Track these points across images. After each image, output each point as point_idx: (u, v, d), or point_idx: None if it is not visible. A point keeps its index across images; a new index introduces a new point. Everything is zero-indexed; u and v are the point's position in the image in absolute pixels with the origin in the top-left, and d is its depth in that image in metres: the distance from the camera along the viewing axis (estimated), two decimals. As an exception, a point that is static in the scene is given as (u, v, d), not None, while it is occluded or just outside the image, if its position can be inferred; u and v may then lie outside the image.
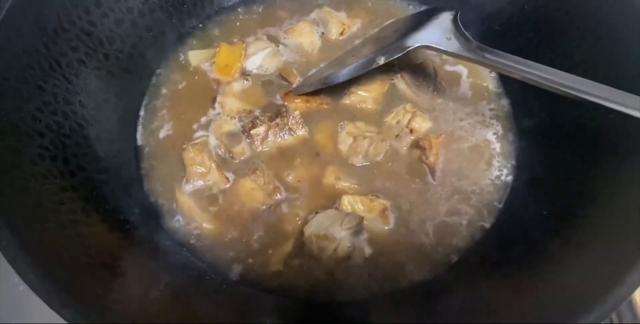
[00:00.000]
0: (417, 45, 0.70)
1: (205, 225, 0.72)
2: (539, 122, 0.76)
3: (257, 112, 0.80)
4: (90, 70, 0.74)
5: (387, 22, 0.88)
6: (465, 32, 0.70)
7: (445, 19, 0.72)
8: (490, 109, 0.81)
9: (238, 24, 0.90)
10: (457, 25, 0.71)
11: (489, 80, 0.83)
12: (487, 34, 0.82)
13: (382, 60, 0.71)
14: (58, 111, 0.68)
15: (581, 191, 0.66)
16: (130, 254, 0.64)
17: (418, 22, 0.75)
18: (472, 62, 0.68)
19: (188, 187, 0.74)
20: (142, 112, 0.82)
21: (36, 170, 0.61)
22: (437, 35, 0.71)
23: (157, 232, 0.72)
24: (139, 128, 0.80)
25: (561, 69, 0.61)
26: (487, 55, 0.67)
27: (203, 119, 0.80)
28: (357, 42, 0.87)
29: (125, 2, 0.77)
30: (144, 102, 0.82)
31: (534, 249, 0.66)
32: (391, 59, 0.71)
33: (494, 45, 0.67)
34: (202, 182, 0.74)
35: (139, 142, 0.79)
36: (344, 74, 0.75)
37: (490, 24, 0.83)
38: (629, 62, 0.63)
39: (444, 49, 0.69)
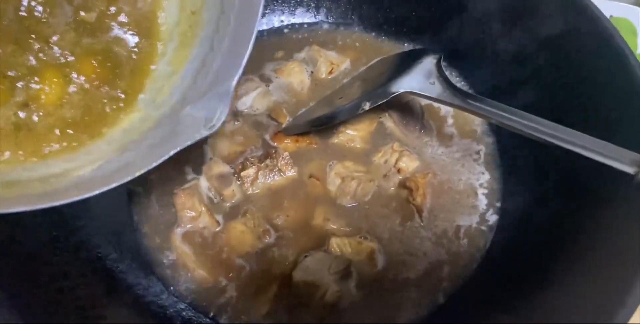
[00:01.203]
0: (401, 91, 0.71)
1: (195, 270, 0.73)
2: (525, 162, 0.77)
3: (247, 153, 0.81)
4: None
5: (375, 61, 0.90)
6: (448, 77, 0.72)
7: (429, 63, 0.74)
8: (477, 148, 0.83)
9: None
10: (441, 70, 0.73)
11: (475, 119, 0.85)
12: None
13: (367, 106, 0.73)
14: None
15: (567, 230, 0.67)
16: (118, 302, 0.65)
17: (403, 65, 0.77)
18: (455, 107, 0.69)
19: (179, 232, 0.76)
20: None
21: (29, 221, 0.63)
22: (421, 80, 0.72)
23: (146, 278, 0.73)
24: (132, 171, 0.81)
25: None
26: (470, 101, 0.68)
27: (194, 161, 0.81)
28: (345, 81, 0.89)
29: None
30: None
31: (522, 289, 0.68)
32: (376, 105, 0.72)
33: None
34: (193, 227, 0.76)
35: (131, 187, 0.80)
36: (331, 119, 0.77)
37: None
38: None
39: (427, 94, 0.70)
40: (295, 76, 0.90)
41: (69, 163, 0.59)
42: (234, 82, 0.60)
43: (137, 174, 0.56)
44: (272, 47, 0.94)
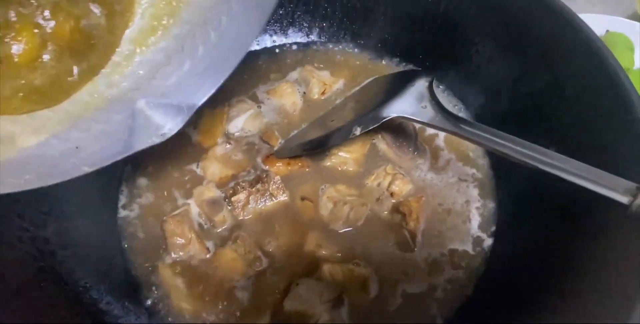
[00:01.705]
0: (392, 115, 0.70)
1: (184, 300, 0.72)
2: (520, 186, 0.76)
3: (239, 177, 0.80)
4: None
5: (367, 81, 0.89)
6: (440, 101, 0.71)
7: (421, 86, 0.73)
8: (471, 171, 0.82)
9: (221, 85, 0.91)
10: (433, 93, 0.72)
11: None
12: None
13: (358, 131, 0.72)
14: (39, 188, 0.69)
15: (563, 255, 0.66)
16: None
17: (395, 87, 0.76)
18: (447, 132, 0.68)
19: (169, 260, 0.75)
20: (124, 181, 0.82)
21: (15, 254, 0.62)
22: (413, 103, 0.71)
23: (133, 309, 0.71)
24: (121, 198, 0.81)
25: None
26: (462, 126, 0.67)
27: (185, 186, 0.80)
28: (338, 102, 0.88)
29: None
30: (126, 171, 0.83)
31: (517, 313, 0.67)
32: (367, 129, 0.71)
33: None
34: (182, 254, 0.75)
35: (121, 213, 0.79)
36: (323, 143, 0.76)
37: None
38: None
39: (419, 119, 0.69)
40: (287, 97, 0.89)
41: (14, 125, 0.57)
42: (202, 101, 0.60)
43: (84, 171, 0.56)
44: (264, 68, 0.94)
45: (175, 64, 0.63)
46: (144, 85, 0.62)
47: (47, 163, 0.56)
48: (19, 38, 0.57)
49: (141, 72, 0.63)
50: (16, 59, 0.57)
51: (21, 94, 0.58)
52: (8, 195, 0.64)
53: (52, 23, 0.57)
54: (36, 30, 0.57)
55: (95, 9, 0.60)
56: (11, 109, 0.58)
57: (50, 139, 0.57)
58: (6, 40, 0.56)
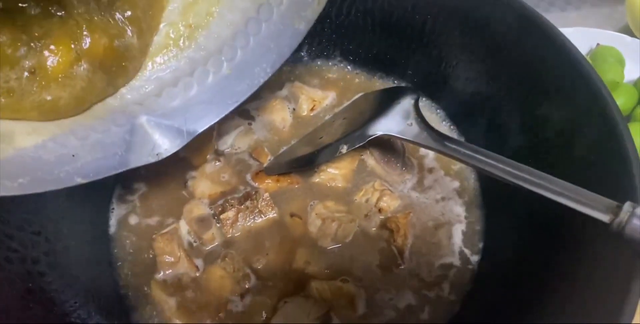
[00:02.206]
0: (378, 133, 0.71)
1: (174, 318, 0.72)
2: (507, 202, 0.77)
3: (228, 194, 0.81)
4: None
5: (355, 98, 0.90)
6: (425, 119, 0.71)
7: (407, 103, 0.74)
8: (459, 187, 0.82)
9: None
10: (418, 111, 0.73)
11: (456, 156, 0.84)
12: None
13: (344, 150, 0.73)
14: (29, 208, 0.70)
15: (549, 271, 0.66)
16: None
17: (382, 104, 0.76)
18: (431, 149, 0.69)
19: (159, 278, 0.75)
20: (114, 200, 0.83)
21: (3, 275, 0.62)
22: (399, 121, 0.72)
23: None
24: (112, 216, 0.81)
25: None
26: (447, 144, 0.67)
27: (175, 204, 0.81)
28: (327, 118, 0.89)
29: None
30: (117, 190, 0.83)
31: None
32: (354, 147, 0.72)
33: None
34: (172, 272, 0.75)
35: (112, 231, 0.80)
36: (310, 161, 0.77)
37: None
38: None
39: (404, 137, 0.70)
40: (277, 114, 0.89)
41: (15, 123, 0.57)
42: (203, 129, 0.61)
43: (77, 182, 0.57)
44: (254, 85, 0.94)
45: (182, 86, 0.64)
46: (149, 101, 0.63)
47: (42, 168, 0.56)
48: (56, 50, 0.57)
49: (147, 88, 0.63)
50: (49, 72, 0.57)
51: (43, 108, 0.58)
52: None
53: (88, 40, 0.57)
54: (73, 45, 0.57)
55: (128, 29, 0.60)
56: (25, 118, 0.58)
57: (48, 142, 0.57)
58: (43, 51, 0.56)
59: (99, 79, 0.59)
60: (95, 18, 0.57)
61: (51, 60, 0.56)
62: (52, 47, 0.56)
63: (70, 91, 0.58)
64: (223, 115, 0.63)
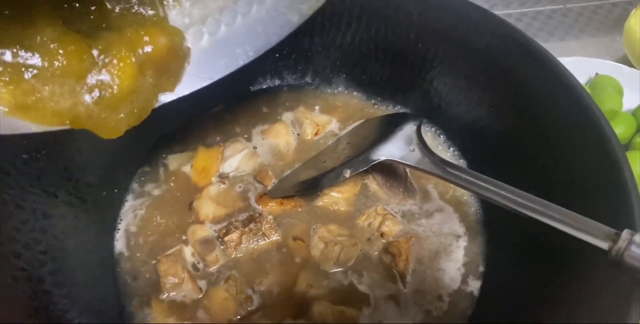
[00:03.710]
0: (381, 158, 0.73)
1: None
2: (508, 227, 0.77)
3: (232, 216, 0.82)
4: (70, 183, 0.77)
5: (359, 123, 0.92)
6: (427, 145, 0.73)
7: (409, 129, 0.76)
8: (460, 212, 0.83)
9: (217, 125, 0.94)
10: (420, 137, 0.75)
11: (458, 182, 0.86)
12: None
13: (347, 174, 0.74)
14: (36, 227, 0.71)
15: (550, 297, 0.67)
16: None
17: (385, 130, 0.78)
18: (433, 175, 0.70)
19: (163, 298, 0.76)
20: (120, 220, 0.84)
21: (10, 294, 0.63)
22: (402, 146, 0.74)
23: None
24: (117, 236, 0.82)
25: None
26: (448, 170, 0.69)
27: (179, 225, 0.82)
28: (330, 143, 0.91)
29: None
30: (123, 209, 0.85)
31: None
32: (357, 172, 0.74)
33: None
34: (175, 294, 0.75)
35: (116, 251, 0.81)
36: (314, 186, 0.79)
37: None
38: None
39: (406, 162, 0.72)
40: (281, 137, 0.91)
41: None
42: (167, 101, 0.58)
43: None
44: (259, 108, 0.96)
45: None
46: None
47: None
48: (117, 68, 0.54)
49: None
50: (116, 89, 0.54)
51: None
52: (7, 235, 0.66)
53: (149, 48, 0.55)
54: (134, 59, 0.55)
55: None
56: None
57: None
58: (108, 67, 0.54)
59: (164, 78, 0.58)
60: (147, 17, 0.55)
61: (116, 75, 0.54)
62: (113, 63, 0.53)
63: (140, 101, 0.56)
64: (193, 90, 0.59)
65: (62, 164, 0.77)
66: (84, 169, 0.79)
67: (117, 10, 0.53)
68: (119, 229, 0.83)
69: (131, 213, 0.84)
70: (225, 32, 0.59)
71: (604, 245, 0.55)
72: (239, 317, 0.74)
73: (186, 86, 0.59)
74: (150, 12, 0.55)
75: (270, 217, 0.80)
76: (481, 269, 0.79)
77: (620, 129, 1.02)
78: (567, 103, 0.69)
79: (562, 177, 0.69)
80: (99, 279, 0.77)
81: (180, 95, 0.59)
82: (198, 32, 0.59)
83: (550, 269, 0.68)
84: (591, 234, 0.56)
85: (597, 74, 1.13)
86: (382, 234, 0.80)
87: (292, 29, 0.59)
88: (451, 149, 0.90)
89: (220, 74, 0.60)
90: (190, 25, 0.59)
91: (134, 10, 0.54)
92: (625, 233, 0.53)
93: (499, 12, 0.76)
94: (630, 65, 1.16)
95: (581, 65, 1.12)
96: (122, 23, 0.54)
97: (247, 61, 0.60)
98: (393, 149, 0.73)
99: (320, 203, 0.84)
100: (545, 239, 0.69)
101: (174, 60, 0.58)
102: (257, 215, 0.80)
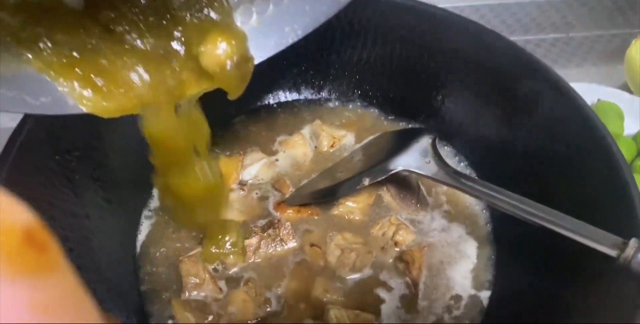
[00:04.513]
0: (399, 168, 0.76)
1: (196, 339, 0.75)
2: (518, 239, 0.81)
3: (251, 222, 0.85)
4: (97, 184, 0.80)
5: (374, 137, 0.96)
6: (442, 157, 0.77)
7: (424, 143, 0.79)
8: (471, 223, 0.87)
9: (237, 135, 0.98)
10: (436, 150, 0.78)
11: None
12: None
13: (367, 182, 0.78)
14: (65, 226, 0.73)
15: (559, 307, 0.70)
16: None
17: (401, 143, 0.82)
18: (448, 186, 0.74)
19: (183, 298, 0.78)
20: (142, 221, 0.87)
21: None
22: (417, 158, 0.77)
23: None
24: (139, 237, 0.85)
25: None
26: (462, 181, 0.73)
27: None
28: (345, 154, 0.94)
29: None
30: (146, 211, 0.88)
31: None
32: (375, 180, 0.77)
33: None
34: (196, 293, 0.78)
35: (138, 250, 0.83)
36: (332, 193, 0.82)
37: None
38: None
39: (423, 173, 0.75)
40: (299, 149, 0.95)
41: None
42: None
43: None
44: (277, 121, 1.00)
45: None
46: None
47: None
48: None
49: None
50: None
51: None
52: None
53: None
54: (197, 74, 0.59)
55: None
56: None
57: None
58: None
59: None
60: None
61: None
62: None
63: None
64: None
65: (91, 166, 0.80)
66: (111, 172, 0.83)
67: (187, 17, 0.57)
68: (141, 231, 0.86)
69: (154, 215, 0.87)
70: (273, 11, 0.60)
71: (612, 253, 0.58)
72: (258, 319, 0.76)
73: None
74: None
75: (288, 223, 0.83)
76: (490, 278, 0.81)
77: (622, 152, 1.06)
78: (575, 121, 0.73)
79: (571, 191, 0.73)
80: (121, 278, 0.79)
81: None
82: (247, 11, 0.60)
83: (558, 278, 0.71)
84: (601, 242, 0.60)
85: (599, 99, 1.17)
86: (395, 243, 0.83)
87: (340, 7, 0.59)
88: (462, 164, 0.94)
89: (269, 53, 0.61)
90: (240, 4, 0.59)
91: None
92: (633, 242, 0.57)
93: (504, 38, 0.82)
94: (631, 92, 1.20)
95: (584, 91, 1.15)
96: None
97: (295, 40, 0.61)
98: (410, 160, 0.77)
99: (336, 212, 0.87)
100: (554, 249, 0.72)
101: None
102: (276, 221, 0.83)
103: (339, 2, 0.59)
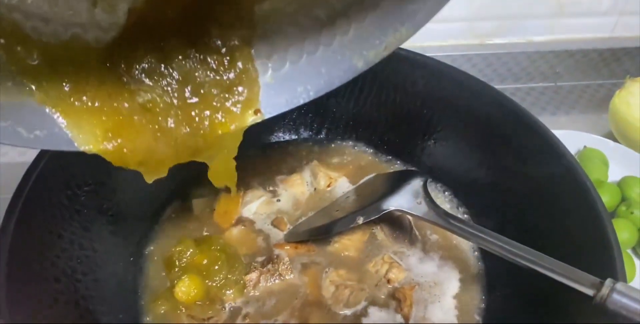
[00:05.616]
0: (391, 208, 0.81)
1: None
2: (504, 279, 0.84)
3: (250, 257, 0.89)
4: (104, 218, 0.84)
5: (369, 177, 1.01)
6: (433, 199, 0.81)
7: (416, 185, 0.84)
8: (461, 262, 0.90)
9: (237, 172, 1.02)
10: (427, 192, 0.83)
11: (458, 234, 0.93)
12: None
13: (360, 221, 0.82)
14: (73, 257, 0.77)
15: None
16: None
17: (394, 184, 0.87)
18: (438, 226, 0.78)
19: (183, 328, 0.81)
20: (146, 252, 0.90)
21: (51, 312, 0.69)
22: (410, 199, 0.82)
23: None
24: (144, 269, 0.88)
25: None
26: (452, 222, 0.77)
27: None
28: (341, 194, 0.99)
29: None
30: (150, 244, 0.91)
31: None
32: (369, 219, 0.81)
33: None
34: (196, 325, 0.81)
35: (142, 283, 0.86)
36: (328, 231, 0.86)
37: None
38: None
39: (414, 213, 0.80)
40: (297, 187, 0.99)
41: None
42: None
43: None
44: (277, 160, 1.05)
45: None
46: None
47: None
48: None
49: None
50: None
51: None
52: (48, 260, 0.72)
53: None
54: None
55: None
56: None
57: None
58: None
59: None
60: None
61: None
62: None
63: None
64: (252, 123, 0.61)
65: (99, 202, 0.84)
66: (118, 206, 0.87)
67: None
68: (145, 262, 0.89)
69: (158, 249, 0.91)
70: (289, 69, 0.61)
71: (589, 292, 0.63)
72: (254, 350, 0.79)
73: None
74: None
75: (287, 259, 0.87)
76: (477, 317, 0.85)
77: (606, 198, 1.10)
78: (558, 169, 0.79)
79: (554, 233, 0.78)
80: (127, 309, 0.82)
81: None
82: (263, 67, 0.61)
83: (542, 315, 0.74)
84: (579, 282, 0.64)
85: (585, 146, 1.23)
86: (388, 281, 0.86)
87: (355, 74, 0.60)
88: (454, 204, 0.99)
89: (279, 110, 0.63)
90: (256, 58, 0.60)
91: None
92: (608, 281, 0.61)
93: (494, 86, 0.87)
94: (615, 140, 1.26)
95: (571, 138, 1.22)
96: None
97: (307, 100, 0.62)
98: (402, 201, 0.82)
99: (332, 249, 0.91)
100: (538, 288, 0.76)
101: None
102: (275, 256, 0.87)
103: (356, 69, 0.59)
